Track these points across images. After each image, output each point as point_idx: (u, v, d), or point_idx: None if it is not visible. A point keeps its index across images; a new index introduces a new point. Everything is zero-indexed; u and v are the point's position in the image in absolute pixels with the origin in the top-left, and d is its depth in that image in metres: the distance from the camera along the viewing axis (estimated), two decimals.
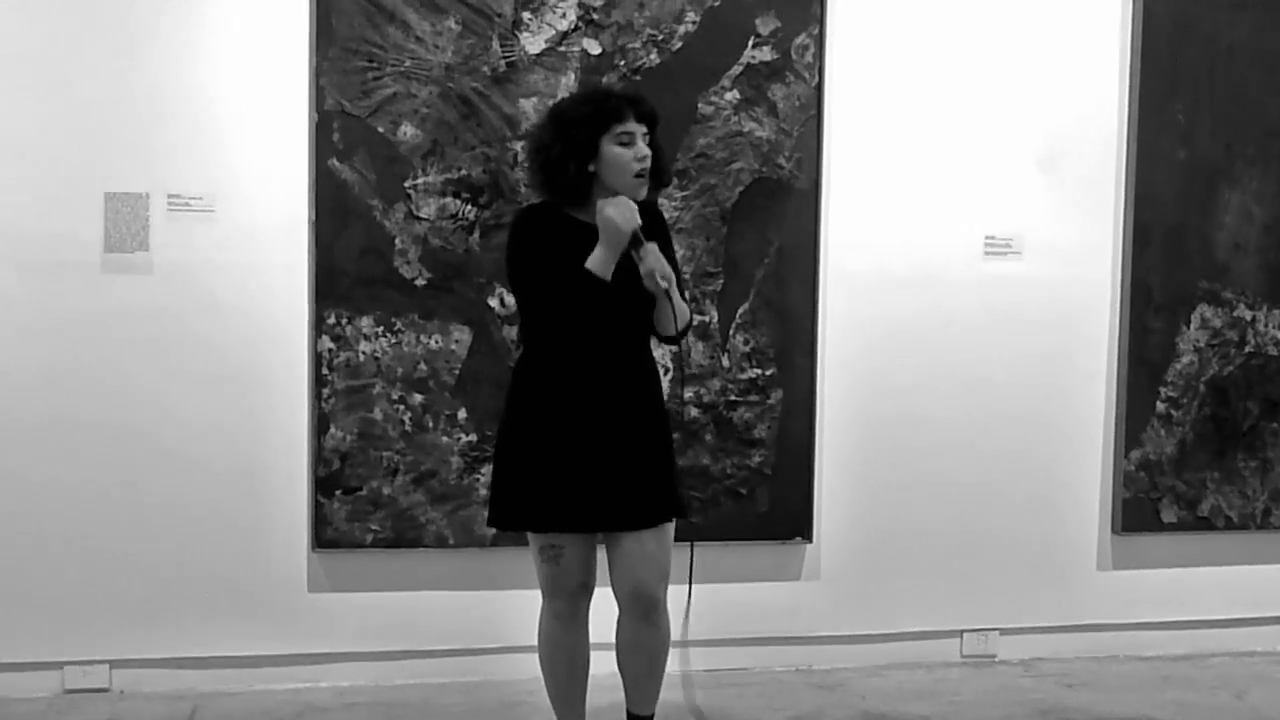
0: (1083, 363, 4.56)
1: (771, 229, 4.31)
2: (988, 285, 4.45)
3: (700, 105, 4.26)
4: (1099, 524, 4.62)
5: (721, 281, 4.31)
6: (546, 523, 3.03)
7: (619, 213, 2.87)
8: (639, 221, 2.88)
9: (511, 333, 4.19)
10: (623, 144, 2.89)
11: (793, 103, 4.30)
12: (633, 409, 3.03)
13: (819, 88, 4.29)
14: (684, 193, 4.27)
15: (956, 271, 4.43)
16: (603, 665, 3.44)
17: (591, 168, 2.91)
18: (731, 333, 4.29)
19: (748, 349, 4.31)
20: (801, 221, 4.31)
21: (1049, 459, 4.56)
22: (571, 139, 2.90)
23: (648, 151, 2.91)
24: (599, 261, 2.90)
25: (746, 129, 4.28)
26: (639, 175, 2.92)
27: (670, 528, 3.13)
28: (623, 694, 3.31)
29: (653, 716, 3.33)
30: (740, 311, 4.31)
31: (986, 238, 4.44)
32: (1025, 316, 4.49)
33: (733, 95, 4.27)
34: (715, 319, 4.30)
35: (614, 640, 3.24)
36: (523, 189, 4.05)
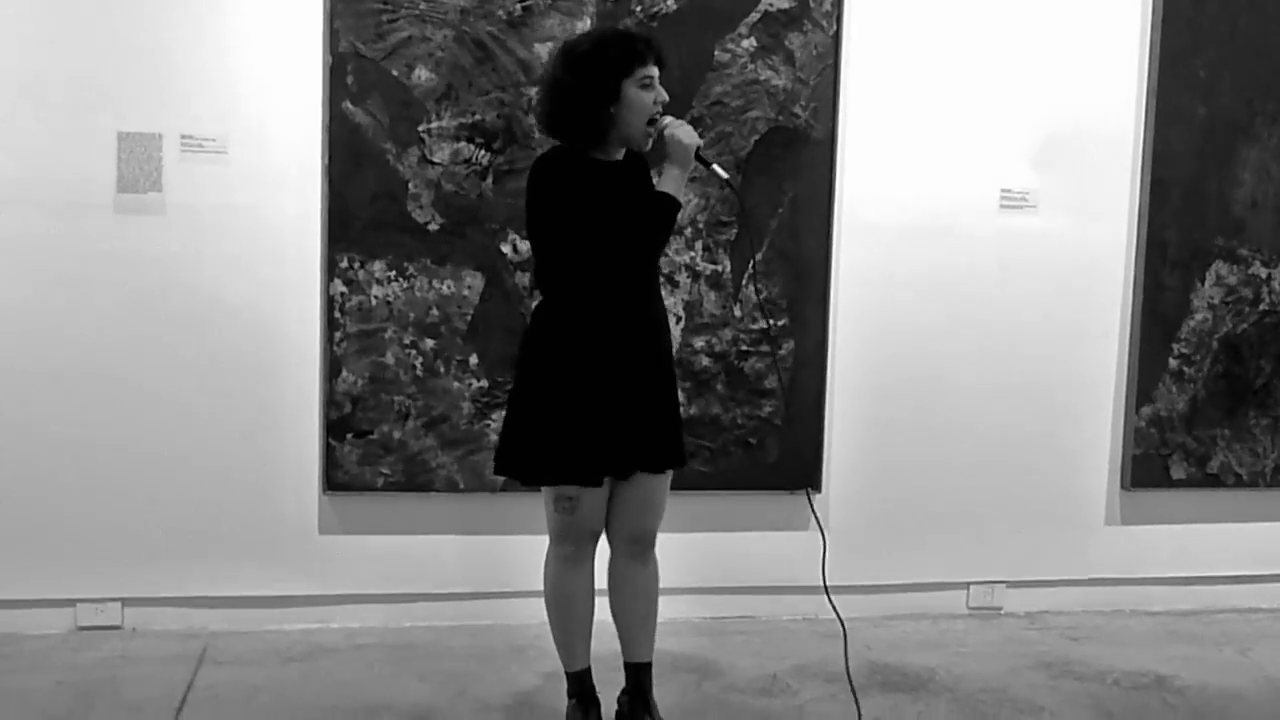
0: (1096, 318, 4.50)
1: (787, 179, 4.23)
2: (1003, 239, 4.38)
3: (716, 52, 4.18)
4: (1108, 479, 4.58)
5: (734, 231, 4.24)
6: (567, 475, 3.00)
7: (687, 133, 2.91)
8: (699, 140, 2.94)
9: (524, 279, 4.13)
10: (644, 87, 2.85)
11: (810, 51, 4.21)
12: (651, 356, 3.01)
13: (837, 37, 4.19)
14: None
15: (971, 224, 4.36)
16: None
17: (611, 110, 2.86)
18: (744, 281, 4.22)
19: (760, 299, 4.26)
20: (817, 172, 4.23)
21: (1060, 413, 4.50)
22: (594, 81, 2.83)
23: (666, 96, 2.90)
24: (674, 182, 2.90)
25: (763, 77, 4.20)
26: (652, 120, 2.91)
27: (670, 472, 3.17)
28: (617, 644, 3.32)
29: (650, 664, 3.31)
30: (754, 262, 4.24)
31: (1003, 191, 4.37)
32: (1040, 271, 4.42)
33: (749, 43, 4.20)
34: (728, 268, 4.23)
35: (606, 587, 3.24)
36: (535, 134, 3.96)
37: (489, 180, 4.07)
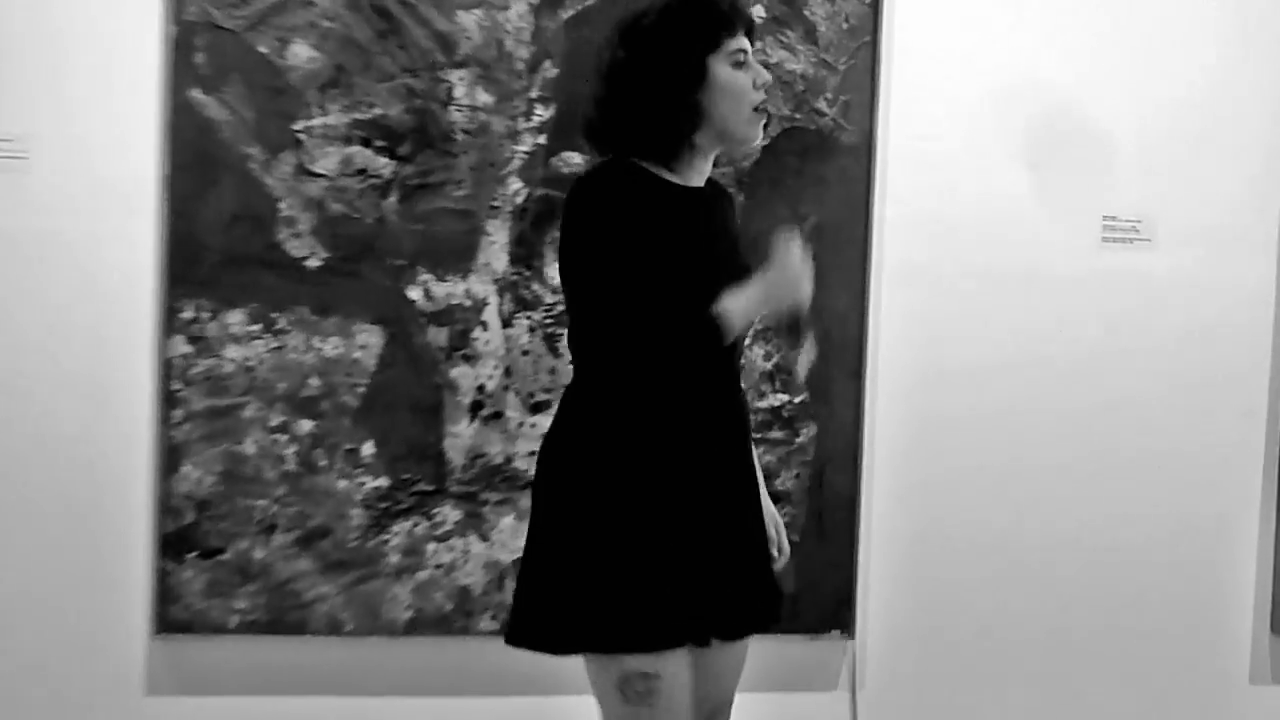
0: (1235, 392, 3.67)
1: (806, 199, 3.40)
2: (1106, 284, 3.58)
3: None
4: (1254, 622, 3.72)
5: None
6: (644, 636, 2.27)
7: (802, 278, 2.28)
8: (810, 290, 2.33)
9: (440, 335, 3.29)
10: (738, 65, 2.32)
11: (839, 24, 3.39)
12: (737, 461, 2.43)
13: (875, 5, 3.41)
14: None
15: (1062, 264, 3.57)
16: None
17: (698, 98, 2.31)
18: (748, 343, 3.33)
19: (769, 366, 3.37)
20: (848, 189, 3.41)
21: (1184, 529, 3.67)
22: (669, 59, 2.29)
23: (769, 76, 2.37)
24: (744, 313, 2.27)
25: (775, 59, 3.36)
26: (759, 109, 2.34)
27: None
28: None
29: None
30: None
31: (1105, 219, 3.57)
32: (1156, 328, 3.59)
33: (756, 11, 3.34)
34: None
35: None
36: (458, 135, 3.24)
37: (393, 199, 3.26)
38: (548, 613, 2.29)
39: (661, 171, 2.33)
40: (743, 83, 2.33)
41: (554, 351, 3.28)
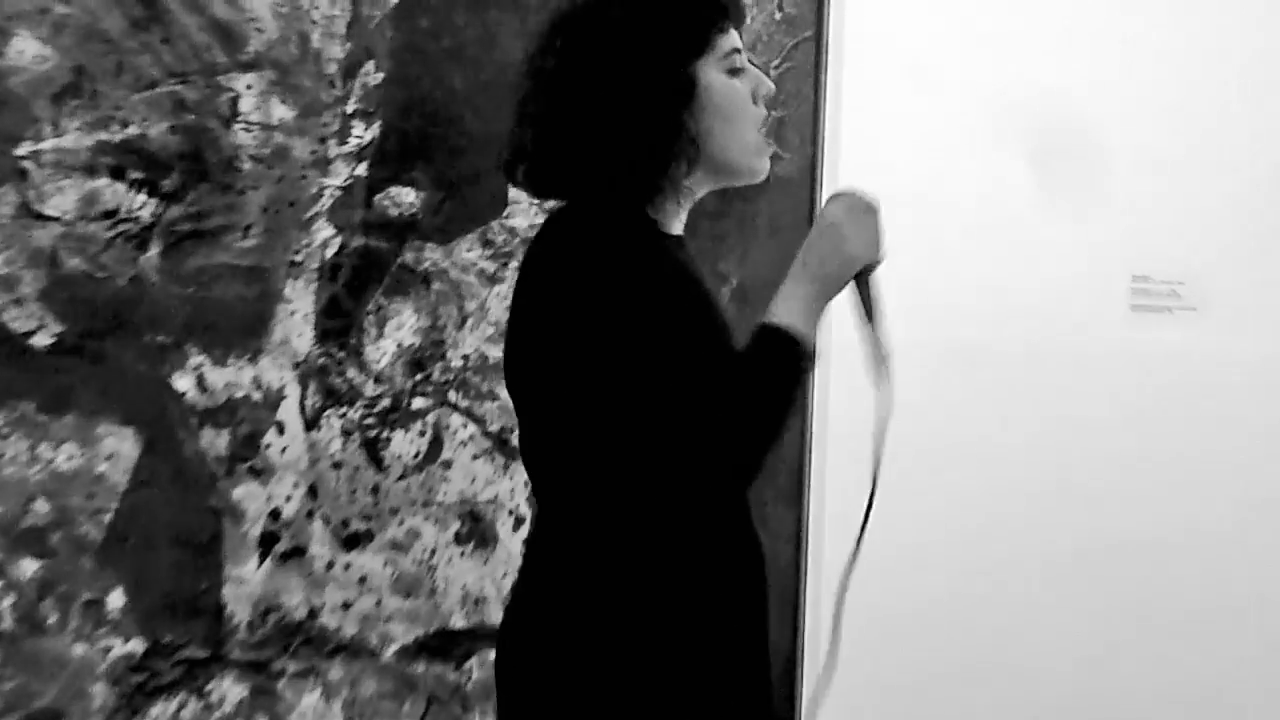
0: None
1: (728, 253, 2.82)
2: (1137, 361, 2.99)
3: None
4: None
5: None
6: None
7: (867, 225, 1.78)
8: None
9: (218, 442, 2.58)
10: (733, 71, 1.81)
11: (769, 11, 2.86)
12: (762, 646, 1.92)
13: (816, 38, 2.89)
14: None
15: (1080, 335, 2.99)
16: None
17: (686, 117, 1.78)
18: None
19: None
20: (784, 239, 2.83)
21: (1241, 670, 3.03)
22: (645, 68, 1.76)
23: (772, 86, 1.87)
24: (803, 306, 1.73)
25: None
26: (763, 129, 1.87)
27: None
28: None
29: None
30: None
31: (1136, 279, 2.99)
32: (1201, 413, 3.02)
33: None
34: None
35: None
36: (246, 163, 2.58)
37: (153, 251, 2.57)
38: None
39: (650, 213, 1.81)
40: (741, 96, 1.82)
41: (377, 462, 2.59)
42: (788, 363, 1.68)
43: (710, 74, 1.78)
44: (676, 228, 1.80)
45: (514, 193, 2.55)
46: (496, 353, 2.54)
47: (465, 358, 2.57)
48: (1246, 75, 3.01)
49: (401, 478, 2.54)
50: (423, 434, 2.56)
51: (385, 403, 2.54)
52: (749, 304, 2.67)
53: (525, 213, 2.57)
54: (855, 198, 1.76)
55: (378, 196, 2.52)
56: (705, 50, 1.77)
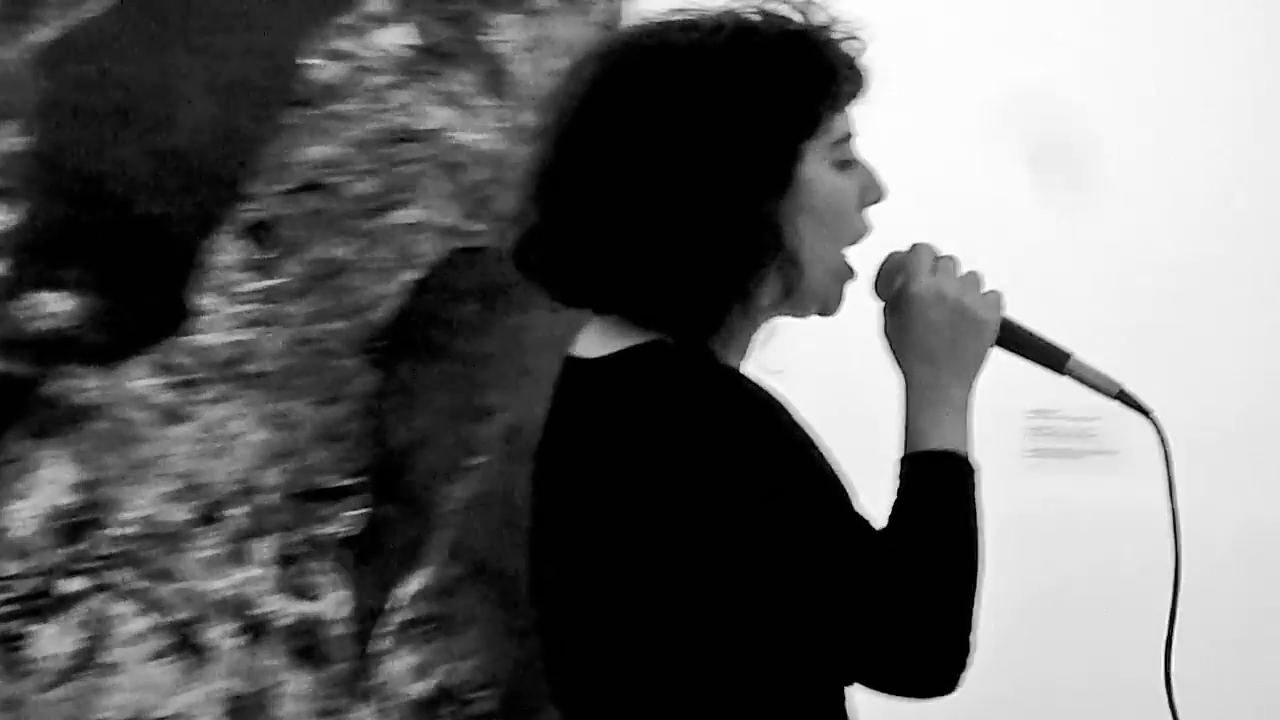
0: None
1: (490, 383, 2.34)
2: (1035, 533, 2.35)
3: (309, 61, 2.24)
4: None
5: (366, 513, 2.22)
6: None
7: (970, 281, 1.40)
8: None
9: None
10: (842, 165, 1.36)
11: (541, 63, 2.46)
12: None
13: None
14: (262, 283, 2.14)
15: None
16: None
17: (778, 218, 1.32)
18: (379, 632, 2.23)
19: (418, 677, 2.29)
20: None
21: None
22: (747, 153, 1.29)
23: (886, 188, 1.41)
24: (954, 420, 1.37)
25: (429, 123, 2.27)
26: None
27: None
28: None
29: None
30: (406, 593, 2.33)
31: (1032, 416, 2.46)
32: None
33: (393, 39, 2.22)
34: (350, 604, 2.23)
35: None
36: (73, 286, 2.11)
37: None
38: None
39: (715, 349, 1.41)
40: (849, 199, 1.42)
41: (16, 667, 2.00)
42: (961, 490, 1.33)
43: (815, 164, 1.35)
44: (741, 359, 1.39)
45: (209, 300, 1.94)
46: (178, 515, 1.91)
47: (134, 524, 1.94)
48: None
49: (51, 687, 1.89)
50: (80, 626, 1.93)
51: (27, 585, 1.92)
52: (523, 445, 2.02)
53: (222, 326, 1.95)
54: (928, 252, 1.39)
55: (15, 302, 1.92)
56: (815, 130, 1.33)
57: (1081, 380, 1.46)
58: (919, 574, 1.23)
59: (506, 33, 2.21)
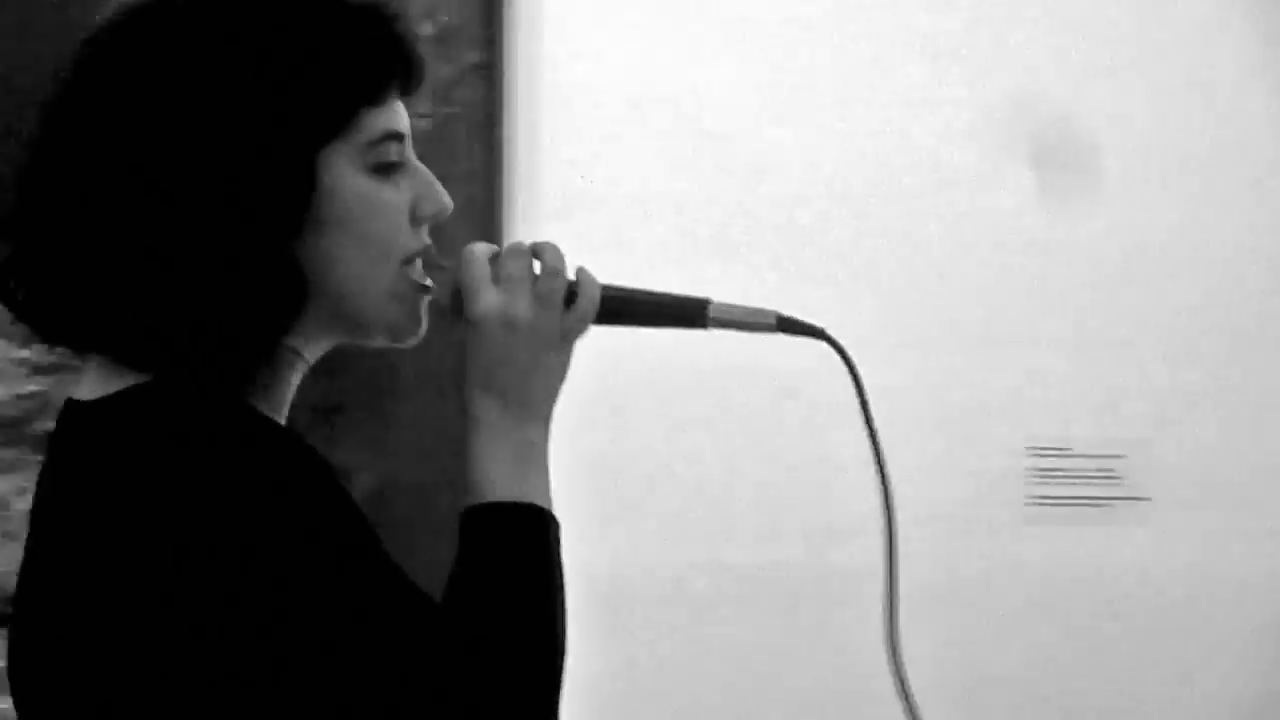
0: None
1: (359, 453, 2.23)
2: (1038, 604, 2.15)
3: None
4: None
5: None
6: None
7: (549, 292, 1.19)
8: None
9: None
10: (383, 168, 1.15)
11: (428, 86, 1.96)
12: None
13: (493, 79, 2.45)
14: None
15: (954, 543, 2.13)
16: None
17: (291, 242, 1.13)
18: None
19: None
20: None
21: None
22: (252, 156, 1.10)
23: (448, 201, 1.18)
24: (535, 470, 1.19)
25: None
26: (416, 260, 1.18)
27: None
28: None
29: None
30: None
31: (1031, 454, 2.12)
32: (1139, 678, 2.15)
33: None
34: None
35: None
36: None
37: None
38: None
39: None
40: (389, 207, 1.21)
41: None
42: (539, 550, 1.22)
43: (342, 169, 1.20)
44: (276, 407, 1.22)
45: None
46: None
47: None
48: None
49: None
50: None
51: None
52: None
53: None
54: (482, 258, 1.21)
55: None
56: (340, 130, 1.18)
57: (730, 325, 1.30)
58: (483, 657, 1.12)
59: None
